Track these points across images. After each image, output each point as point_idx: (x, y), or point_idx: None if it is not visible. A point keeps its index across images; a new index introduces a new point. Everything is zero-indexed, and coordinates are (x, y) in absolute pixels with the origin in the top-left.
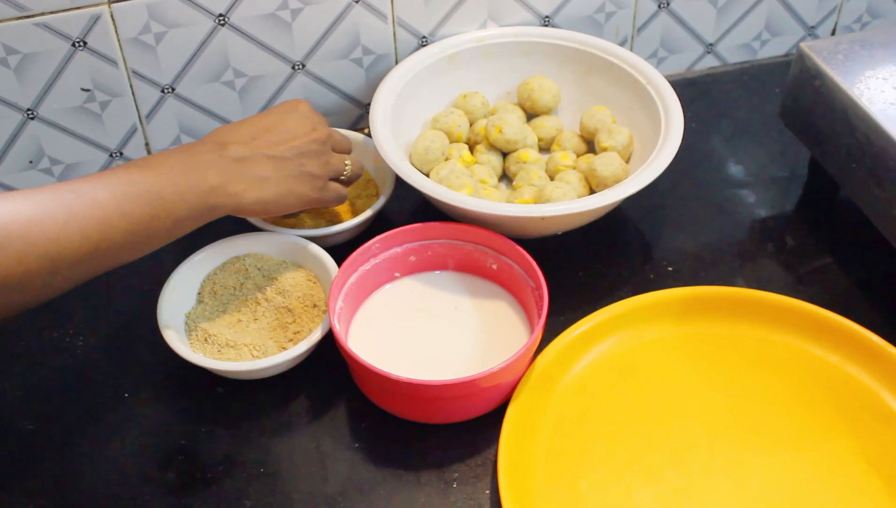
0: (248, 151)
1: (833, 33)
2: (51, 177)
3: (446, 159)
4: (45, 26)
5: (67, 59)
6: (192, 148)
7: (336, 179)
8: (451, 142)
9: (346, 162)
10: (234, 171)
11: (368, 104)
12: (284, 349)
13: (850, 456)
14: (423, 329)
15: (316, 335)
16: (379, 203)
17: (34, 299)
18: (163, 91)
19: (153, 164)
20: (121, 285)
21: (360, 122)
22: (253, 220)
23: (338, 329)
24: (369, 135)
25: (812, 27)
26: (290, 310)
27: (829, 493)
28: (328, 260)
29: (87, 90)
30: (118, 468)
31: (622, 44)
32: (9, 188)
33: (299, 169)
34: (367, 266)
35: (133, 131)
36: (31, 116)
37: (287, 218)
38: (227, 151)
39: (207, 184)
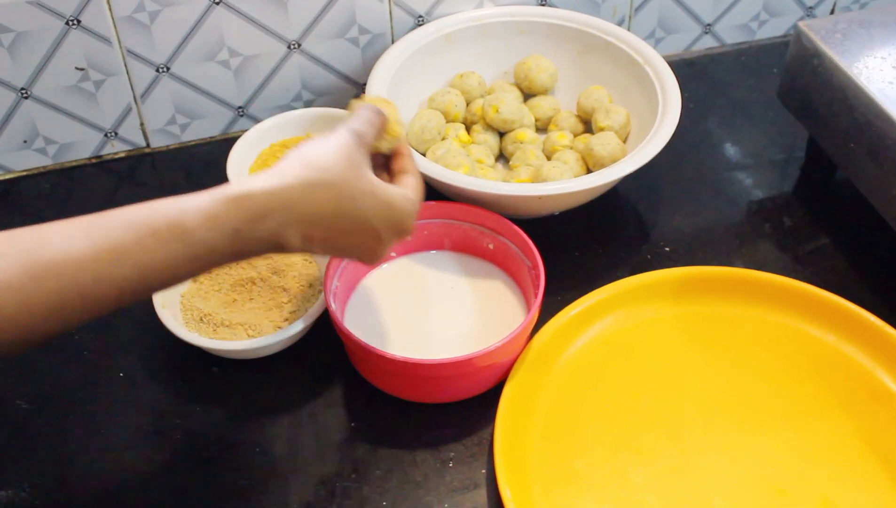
0: (297, 248)
1: (831, 14)
2: (45, 157)
3: (443, 139)
4: (39, 4)
5: (61, 38)
6: (241, 231)
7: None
8: (448, 121)
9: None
10: (273, 250)
11: (364, 84)
12: (280, 328)
13: (846, 435)
14: (419, 309)
15: (312, 315)
16: None
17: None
18: (157, 70)
19: (181, 253)
20: None
21: None
22: None
23: (334, 309)
24: None
25: (810, 7)
26: (285, 290)
27: (825, 472)
28: None
29: (82, 69)
30: (113, 447)
31: (619, 24)
32: (3, 168)
33: (337, 257)
34: None
35: (128, 111)
36: (24, 95)
37: None
38: (279, 244)
39: (245, 257)
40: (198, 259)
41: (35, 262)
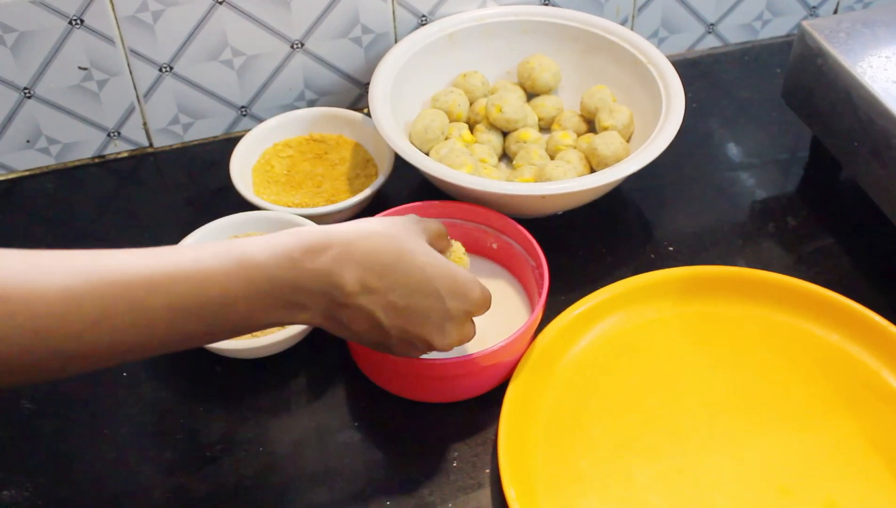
0: (361, 300)
1: (835, 13)
2: (48, 157)
3: (446, 139)
4: (42, 4)
5: (64, 38)
6: (300, 266)
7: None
8: (451, 121)
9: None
10: (327, 310)
11: (368, 83)
12: (283, 328)
13: (850, 435)
14: None
15: None
16: (378, 182)
17: (45, 380)
18: (161, 70)
19: (237, 276)
20: None
21: (359, 101)
22: (255, 200)
23: None
24: (369, 114)
25: (813, 7)
26: None
27: (829, 471)
28: None
29: (85, 69)
30: (117, 447)
31: (623, 24)
32: (6, 168)
33: (385, 344)
34: None
35: (131, 111)
36: (28, 94)
37: None
38: (340, 289)
39: (290, 317)
40: (252, 283)
41: (90, 269)
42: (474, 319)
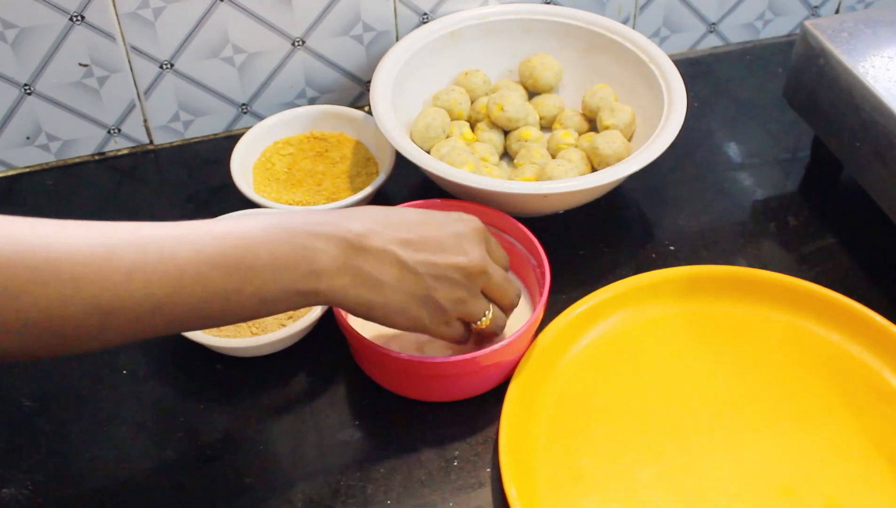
0: (374, 241)
1: (837, 13)
2: (48, 154)
3: (447, 137)
4: (43, 0)
5: (65, 34)
6: (310, 217)
7: (465, 322)
8: (453, 119)
9: (487, 312)
10: (347, 259)
11: (369, 81)
12: (284, 325)
13: (851, 435)
14: None
15: (316, 312)
16: (379, 180)
17: (78, 348)
18: (161, 67)
19: (255, 227)
20: None
21: (360, 99)
22: (255, 198)
23: None
24: (370, 112)
25: (815, 7)
26: None
27: (830, 471)
28: None
29: (85, 65)
30: (117, 445)
31: (625, 22)
32: (6, 164)
33: (425, 290)
34: None
35: (131, 108)
36: (28, 91)
37: None
38: (349, 230)
39: (311, 267)
40: (268, 231)
41: (124, 227)
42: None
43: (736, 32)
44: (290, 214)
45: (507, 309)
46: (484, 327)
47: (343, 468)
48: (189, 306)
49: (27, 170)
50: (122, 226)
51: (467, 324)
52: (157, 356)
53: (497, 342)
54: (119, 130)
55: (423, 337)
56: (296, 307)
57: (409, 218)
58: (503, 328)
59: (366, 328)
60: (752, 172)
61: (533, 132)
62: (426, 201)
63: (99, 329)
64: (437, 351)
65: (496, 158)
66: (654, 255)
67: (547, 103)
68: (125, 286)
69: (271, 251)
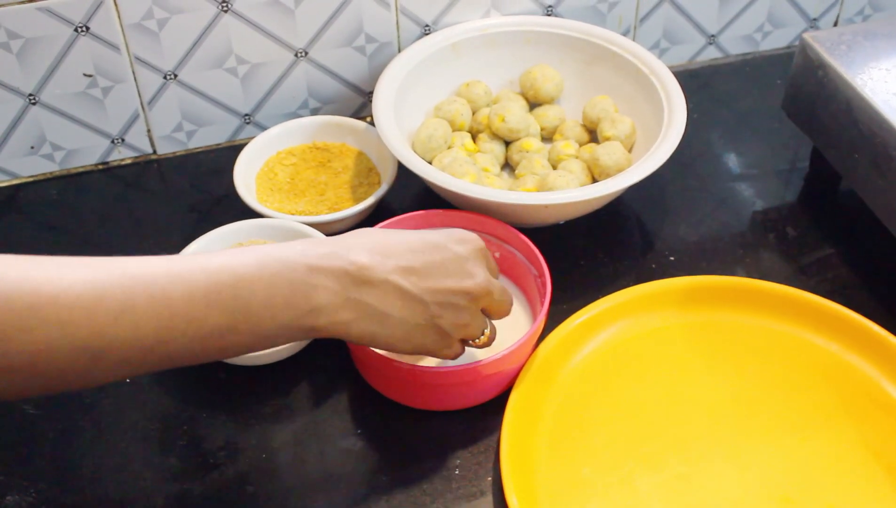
0: (376, 273)
1: (835, 26)
2: (52, 163)
3: (449, 148)
4: (48, 11)
5: (70, 45)
6: (308, 249)
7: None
8: (454, 130)
9: (485, 330)
10: (350, 293)
11: (371, 92)
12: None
13: (850, 445)
14: None
15: None
16: (381, 191)
17: (66, 388)
18: (165, 77)
19: (250, 262)
20: None
21: (362, 110)
22: (258, 207)
23: None
24: (372, 123)
25: (814, 19)
26: None
27: (829, 481)
28: None
29: (90, 76)
30: (119, 453)
31: (625, 34)
32: (10, 174)
33: (430, 320)
34: None
35: (135, 118)
36: (32, 101)
37: None
38: (351, 263)
39: (310, 304)
40: (264, 267)
41: (114, 266)
42: None
43: (735, 44)
44: (287, 246)
45: (500, 318)
46: (482, 343)
47: (345, 476)
48: (181, 346)
49: (31, 179)
50: (110, 264)
51: (464, 341)
52: None
53: (499, 352)
54: (123, 140)
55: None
56: (294, 341)
57: (411, 243)
58: (495, 338)
59: None
60: (752, 183)
61: (534, 143)
62: (427, 211)
63: (87, 370)
64: (435, 360)
65: (497, 168)
66: (654, 265)
67: (548, 114)
68: (113, 329)
69: (267, 289)
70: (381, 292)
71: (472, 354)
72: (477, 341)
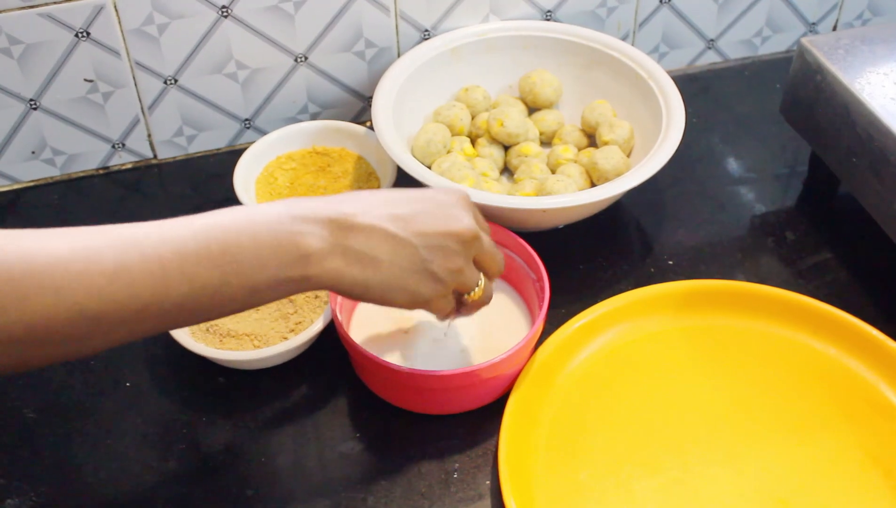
0: (365, 219)
1: (834, 30)
2: (53, 168)
3: (448, 152)
4: (49, 16)
5: (71, 50)
6: (294, 202)
7: (457, 294)
8: (453, 135)
9: (479, 282)
10: (337, 239)
11: (370, 97)
12: (286, 339)
13: (848, 448)
14: (424, 320)
15: (317, 326)
16: None
17: (66, 356)
18: (165, 82)
19: (237, 217)
20: None
21: (362, 115)
22: None
23: (340, 319)
24: (371, 128)
25: (813, 24)
26: (291, 301)
27: (827, 484)
28: None
29: (90, 81)
30: (119, 456)
31: (624, 39)
32: (11, 179)
33: (421, 263)
34: None
35: (136, 123)
36: (33, 106)
37: None
38: (337, 211)
39: (299, 251)
40: (251, 220)
41: (107, 230)
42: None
43: (734, 49)
44: (273, 202)
45: (493, 277)
46: (476, 298)
47: (344, 480)
48: (176, 304)
49: (32, 184)
50: (102, 229)
51: (457, 298)
52: (160, 369)
53: (497, 356)
54: (123, 145)
55: (414, 348)
56: (288, 295)
57: (395, 196)
58: (490, 298)
59: (367, 342)
60: (751, 187)
61: (533, 148)
62: None
63: (86, 335)
64: (429, 362)
65: (496, 173)
66: (652, 269)
67: (546, 119)
68: (109, 289)
69: (255, 240)
70: (369, 237)
71: (469, 359)
72: (472, 293)
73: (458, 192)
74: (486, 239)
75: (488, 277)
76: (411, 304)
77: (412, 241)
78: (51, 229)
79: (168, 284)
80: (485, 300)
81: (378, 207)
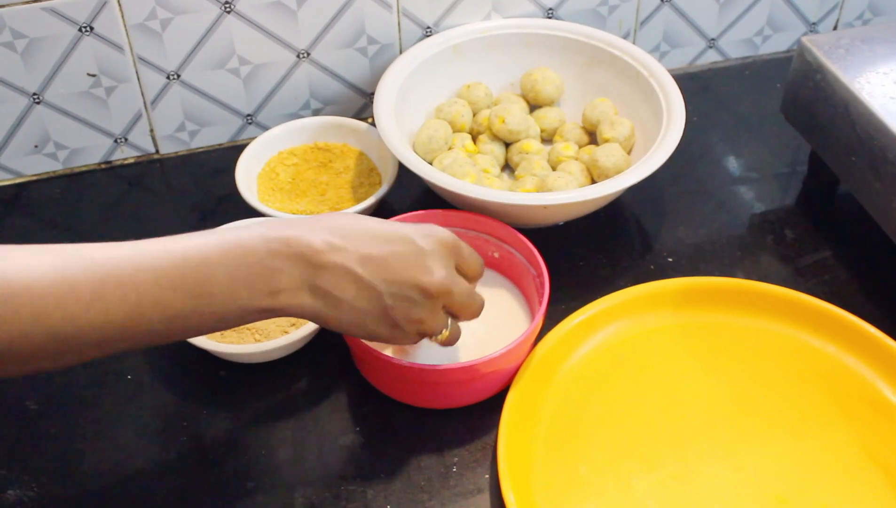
0: (333, 257)
1: (834, 30)
2: (56, 162)
3: (449, 149)
4: (53, 11)
5: (74, 45)
6: (270, 232)
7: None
8: (455, 132)
9: (445, 330)
10: (306, 277)
11: (372, 93)
12: (287, 332)
13: (846, 446)
14: None
15: None
16: (381, 191)
17: (36, 371)
18: (168, 77)
19: (214, 247)
20: None
21: (364, 111)
22: (259, 207)
23: None
24: (373, 124)
25: (814, 23)
26: None
27: (825, 481)
28: None
29: (93, 75)
30: (120, 449)
31: (625, 37)
32: (14, 172)
33: (382, 309)
34: None
35: (138, 117)
36: (37, 100)
37: None
38: (309, 247)
39: (269, 287)
40: (227, 251)
41: (84, 255)
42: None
43: (735, 48)
44: (250, 229)
45: (468, 320)
46: (441, 340)
47: (344, 473)
48: (148, 329)
49: (35, 178)
50: (79, 251)
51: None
52: (161, 362)
53: (496, 351)
54: (126, 140)
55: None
56: (252, 322)
57: (375, 231)
58: (458, 338)
59: None
60: (751, 185)
61: (534, 145)
62: (427, 211)
63: (60, 354)
64: (429, 356)
65: (497, 169)
66: (652, 267)
67: (548, 116)
68: (85, 316)
69: (230, 273)
70: (336, 277)
71: (469, 353)
72: (436, 338)
73: (440, 237)
74: (462, 289)
75: (458, 320)
76: (368, 339)
77: (378, 287)
78: (30, 249)
79: (142, 312)
80: (451, 341)
81: (354, 242)
